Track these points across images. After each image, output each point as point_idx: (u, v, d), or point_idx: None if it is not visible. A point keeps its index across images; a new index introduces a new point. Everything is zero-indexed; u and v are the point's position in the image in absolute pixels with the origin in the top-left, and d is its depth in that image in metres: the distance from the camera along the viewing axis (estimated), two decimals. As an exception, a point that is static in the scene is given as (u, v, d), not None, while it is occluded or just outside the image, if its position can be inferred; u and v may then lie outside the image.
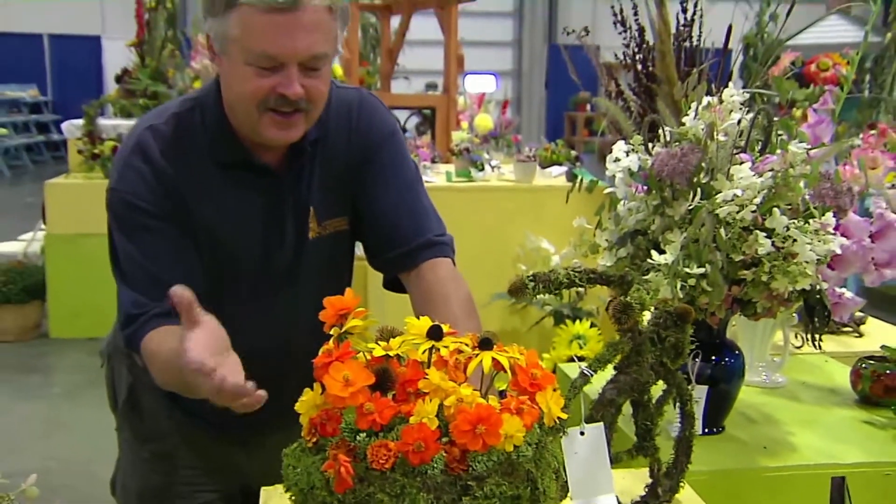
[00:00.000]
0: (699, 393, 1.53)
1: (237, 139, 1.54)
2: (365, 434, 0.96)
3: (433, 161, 4.95)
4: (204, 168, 1.53)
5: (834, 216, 1.45)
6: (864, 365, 1.80)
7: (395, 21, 7.50)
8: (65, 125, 6.95)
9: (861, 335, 2.37)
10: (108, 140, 5.83)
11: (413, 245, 1.58)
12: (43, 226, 5.84)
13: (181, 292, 1.16)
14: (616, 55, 2.20)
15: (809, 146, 1.52)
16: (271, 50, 1.40)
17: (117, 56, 11.18)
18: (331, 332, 1.07)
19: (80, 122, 6.12)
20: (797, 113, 2.87)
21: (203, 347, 1.13)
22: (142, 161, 1.50)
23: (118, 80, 7.56)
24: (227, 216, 1.54)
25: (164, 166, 1.50)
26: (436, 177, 4.46)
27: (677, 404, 1.33)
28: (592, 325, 3.62)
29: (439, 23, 6.73)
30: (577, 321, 3.64)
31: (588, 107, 16.07)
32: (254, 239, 1.58)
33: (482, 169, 4.38)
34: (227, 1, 1.40)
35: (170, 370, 1.35)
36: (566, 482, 1.11)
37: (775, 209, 1.40)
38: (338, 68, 5.96)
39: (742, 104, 1.54)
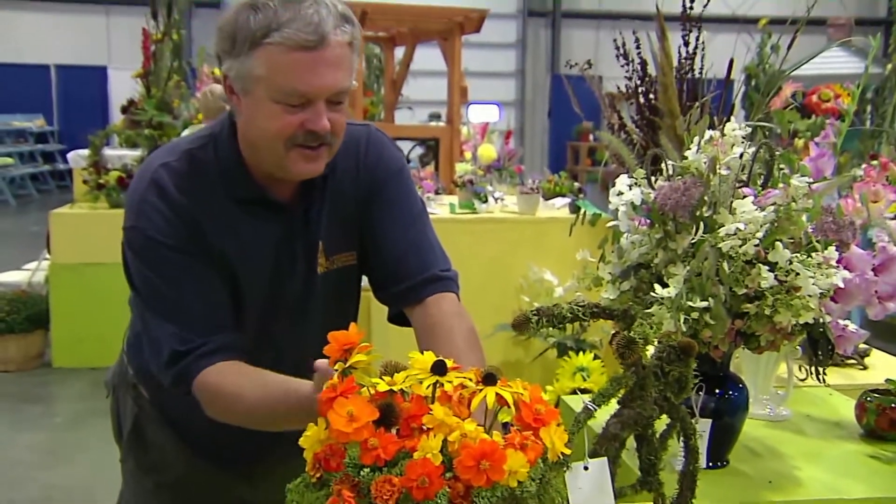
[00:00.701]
0: (703, 426, 1.52)
1: (250, 175, 1.55)
2: (369, 469, 0.96)
3: (437, 192, 4.97)
4: (217, 203, 1.53)
5: (836, 250, 1.45)
6: (868, 398, 1.80)
7: (399, 52, 7.56)
8: (70, 155, 7.00)
9: (865, 367, 2.36)
10: (113, 170, 5.87)
11: (418, 280, 1.59)
12: (47, 255, 5.85)
13: (324, 365, 1.19)
14: (618, 87, 2.22)
15: (811, 180, 1.52)
16: (301, 87, 1.41)
17: (123, 86, 11.26)
18: (335, 367, 1.07)
19: (86, 152, 6.16)
20: (799, 143, 2.89)
21: None
22: (158, 198, 1.50)
23: (124, 110, 7.62)
24: (240, 250, 1.55)
25: (181, 201, 1.50)
26: (439, 208, 4.48)
27: (681, 438, 1.32)
28: (596, 357, 3.61)
29: (443, 54, 6.79)
30: (581, 353, 3.64)
31: (591, 136, 16.15)
32: (265, 273, 1.59)
33: (485, 200, 4.40)
34: (252, 41, 1.40)
35: (262, 409, 1.40)
36: (570, 517, 1.10)
37: (778, 243, 1.40)
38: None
39: (744, 138, 1.55)
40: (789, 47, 2.05)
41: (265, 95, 1.43)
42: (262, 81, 1.42)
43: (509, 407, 1.01)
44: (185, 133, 5.79)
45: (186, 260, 1.49)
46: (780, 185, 1.50)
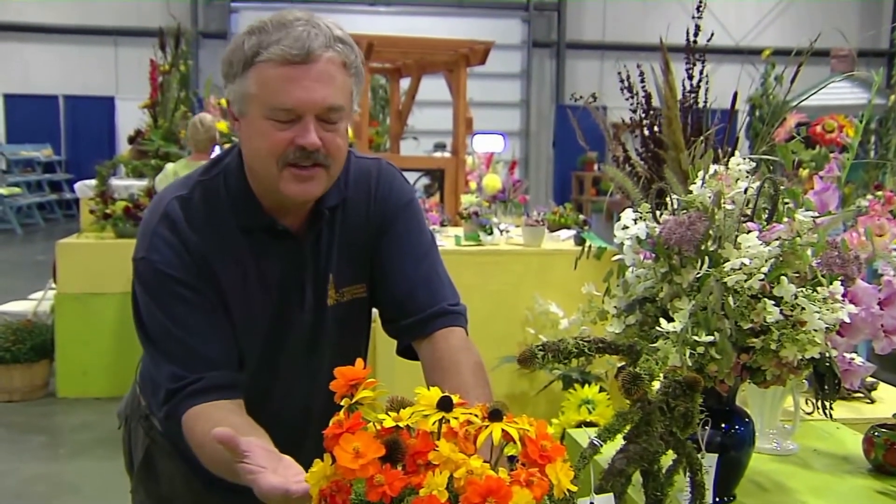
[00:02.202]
0: (709, 461, 1.51)
1: (258, 203, 1.56)
2: (375, 506, 0.96)
3: (442, 224, 4.98)
4: (227, 233, 1.55)
5: (842, 284, 1.45)
6: (876, 433, 1.78)
7: (405, 82, 7.61)
8: (77, 185, 7.04)
9: (873, 401, 2.34)
10: (119, 200, 5.90)
11: (427, 314, 1.60)
12: (53, 285, 5.86)
13: (222, 434, 1.18)
14: (622, 119, 2.23)
15: (816, 214, 1.53)
16: (288, 102, 1.43)
17: (130, 117, 11.35)
18: (342, 403, 1.08)
19: (93, 182, 6.19)
20: (803, 173, 2.89)
21: (275, 476, 1.15)
22: (169, 231, 1.51)
23: (131, 140, 7.68)
24: (249, 281, 1.56)
25: (191, 236, 1.52)
26: (445, 240, 4.48)
27: (687, 473, 1.32)
28: (601, 390, 3.60)
29: (448, 85, 6.82)
30: (586, 385, 3.62)
31: (595, 166, 16.19)
32: (274, 305, 1.59)
33: (491, 233, 4.40)
34: (245, 61, 1.44)
35: (221, 462, 1.34)
36: (576, 554, 1.10)
37: (783, 277, 1.40)
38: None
39: (748, 171, 1.55)
40: (793, 79, 2.06)
41: (258, 114, 1.46)
42: (255, 100, 1.45)
43: (515, 443, 1.01)
44: (169, 167, 5.83)
45: (193, 296, 1.50)
46: (785, 219, 1.50)
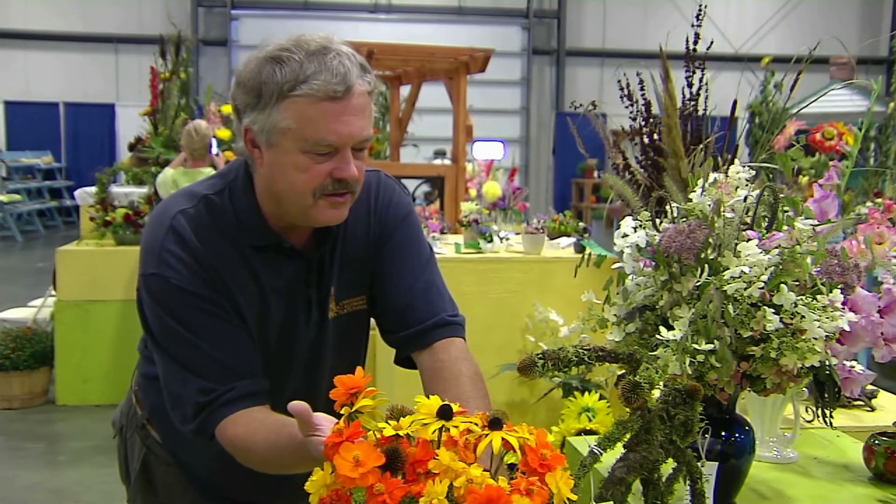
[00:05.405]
0: (709, 469, 1.51)
1: (266, 223, 1.56)
2: (375, 515, 0.96)
3: (442, 232, 4.97)
4: (235, 250, 1.54)
5: (842, 292, 1.45)
6: (877, 441, 1.78)
7: (405, 89, 7.62)
8: (77, 192, 7.05)
9: (873, 409, 2.34)
10: (120, 208, 5.89)
11: (427, 325, 1.61)
12: (53, 292, 5.86)
13: (298, 406, 1.21)
14: (622, 126, 2.23)
15: (816, 222, 1.53)
16: (330, 137, 1.44)
17: (130, 124, 11.37)
18: (342, 412, 1.08)
19: (93, 189, 6.19)
20: (803, 181, 2.89)
21: None
22: (178, 246, 1.50)
23: (131, 148, 7.70)
24: (258, 297, 1.56)
25: (200, 249, 1.51)
26: (445, 248, 4.48)
27: (687, 482, 1.32)
28: (601, 398, 3.59)
29: (448, 93, 6.83)
30: (586, 393, 3.62)
31: (595, 173, 16.22)
32: (281, 319, 1.59)
33: (491, 240, 4.39)
34: (280, 94, 1.42)
35: (276, 455, 1.37)
36: (576, 563, 1.09)
37: (783, 286, 1.40)
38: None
39: (748, 180, 1.55)
40: (793, 87, 2.07)
41: (293, 147, 1.45)
42: (290, 133, 1.44)
43: (515, 452, 1.01)
44: (168, 172, 5.83)
45: (212, 307, 1.50)
46: (785, 227, 1.50)
